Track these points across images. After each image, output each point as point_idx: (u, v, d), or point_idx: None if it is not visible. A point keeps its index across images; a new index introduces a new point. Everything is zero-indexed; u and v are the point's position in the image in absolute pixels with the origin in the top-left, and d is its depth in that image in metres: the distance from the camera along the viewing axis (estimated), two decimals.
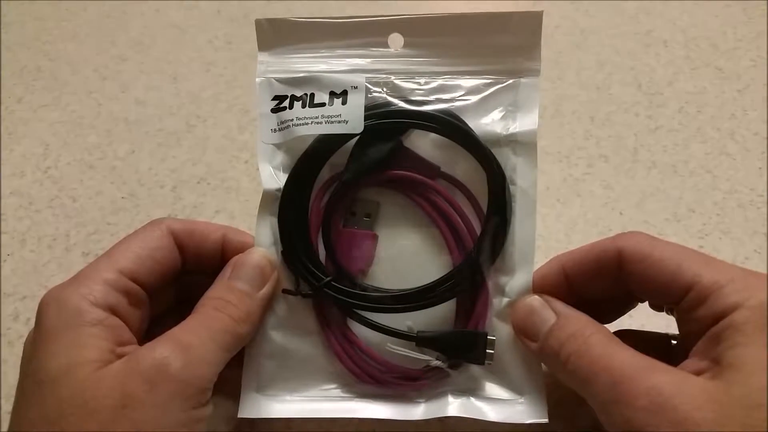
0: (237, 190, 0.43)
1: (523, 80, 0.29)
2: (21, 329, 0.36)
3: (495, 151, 0.29)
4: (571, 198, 0.41)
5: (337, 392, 0.29)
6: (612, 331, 0.26)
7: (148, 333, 0.27)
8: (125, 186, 0.43)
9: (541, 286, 0.28)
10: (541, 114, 0.46)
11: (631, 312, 0.30)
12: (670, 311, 0.26)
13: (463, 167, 0.30)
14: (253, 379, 0.29)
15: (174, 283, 0.29)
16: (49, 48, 0.55)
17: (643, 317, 0.31)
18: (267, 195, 0.29)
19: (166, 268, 0.28)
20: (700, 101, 0.47)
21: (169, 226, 0.28)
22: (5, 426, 0.25)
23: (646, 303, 0.28)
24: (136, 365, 0.23)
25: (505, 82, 0.29)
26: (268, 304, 0.29)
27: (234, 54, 0.53)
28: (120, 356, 0.24)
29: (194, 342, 0.24)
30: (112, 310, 0.25)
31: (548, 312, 0.27)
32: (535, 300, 0.27)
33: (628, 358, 0.23)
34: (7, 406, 0.25)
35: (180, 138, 0.46)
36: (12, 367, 0.27)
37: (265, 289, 0.28)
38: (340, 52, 0.30)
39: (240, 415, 0.28)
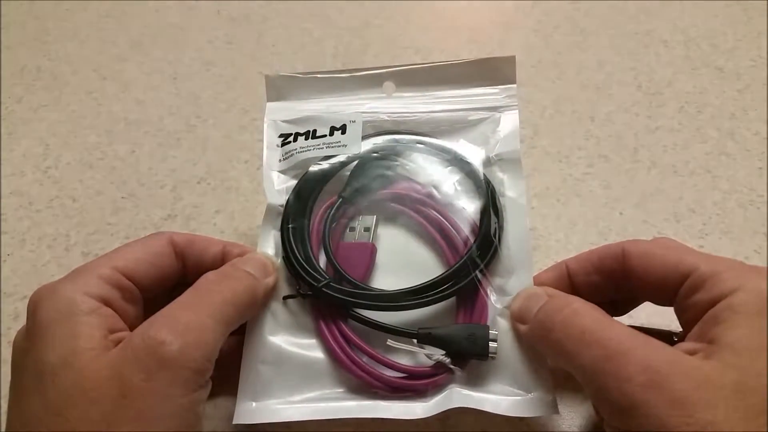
0: (237, 190, 0.43)
1: (503, 115, 0.34)
2: None
3: (484, 171, 0.32)
4: (571, 198, 0.41)
5: (338, 394, 0.29)
6: None
7: None
8: (125, 186, 0.43)
9: (544, 284, 0.29)
10: (541, 114, 0.46)
11: (632, 312, 0.30)
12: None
13: (454, 185, 0.33)
14: (249, 384, 0.29)
15: (172, 291, 0.29)
16: (49, 48, 0.55)
17: (643, 317, 0.31)
18: (270, 209, 0.32)
19: (163, 272, 0.28)
20: (700, 101, 0.47)
21: (170, 236, 0.29)
22: (5, 426, 0.24)
23: (647, 304, 0.28)
24: (132, 352, 0.22)
25: (487, 118, 0.34)
26: (270, 295, 0.29)
27: (234, 54, 0.53)
28: (115, 343, 0.23)
29: (191, 320, 0.24)
30: (106, 302, 0.25)
31: (543, 296, 0.27)
32: (532, 288, 0.28)
33: (623, 331, 0.23)
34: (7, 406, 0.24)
35: (180, 138, 0.46)
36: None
37: (269, 279, 0.28)
38: (339, 99, 0.35)
39: (235, 421, 0.28)
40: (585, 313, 0.24)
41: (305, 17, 0.56)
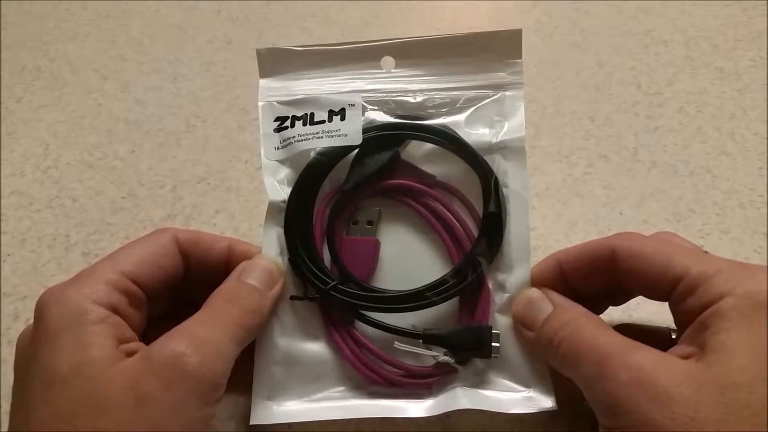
0: (237, 190, 0.43)
1: (508, 93, 0.31)
2: (21, 329, 0.36)
3: (487, 158, 0.30)
4: (571, 198, 0.41)
5: (348, 393, 0.29)
6: (615, 324, 0.26)
7: (145, 335, 0.27)
8: (125, 186, 0.43)
9: (539, 281, 0.29)
10: (541, 114, 0.46)
11: (632, 312, 0.30)
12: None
13: (457, 176, 0.32)
14: (263, 386, 0.29)
15: (174, 288, 0.29)
16: (49, 48, 0.55)
17: (643, 315, 0.31)
18: (272, 206, 0.30)
19: (168, 273, 0.28)
20: (700, 101, 0.47)
21: (175, 234, 0.29)
22: (5, 426, 0.24)
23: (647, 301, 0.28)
24: (151, 363, 0.23)
25: (491, 96, 0.31)
26: (276, 305, 0.29)
27: (234, 54, 0.53)
28: (126, 353, 0.24)
29: (209, 336, 0.24)
30: (114, 310, 0.25)
31: (546, 303, 0.27)
32: (534, 292, 0.28)
33: (615, 339, 0.24)
34: (8, 406, 0.24)
35: (180, 138, 0.46)
36: (12, 367, 0.27)
37: (274, 290, 0.28)
38: (336, 75, 0.32)
39: (252, 422, 0.28)
40: (586, 327, 0.25)
41: (305, 17, 0.56)
